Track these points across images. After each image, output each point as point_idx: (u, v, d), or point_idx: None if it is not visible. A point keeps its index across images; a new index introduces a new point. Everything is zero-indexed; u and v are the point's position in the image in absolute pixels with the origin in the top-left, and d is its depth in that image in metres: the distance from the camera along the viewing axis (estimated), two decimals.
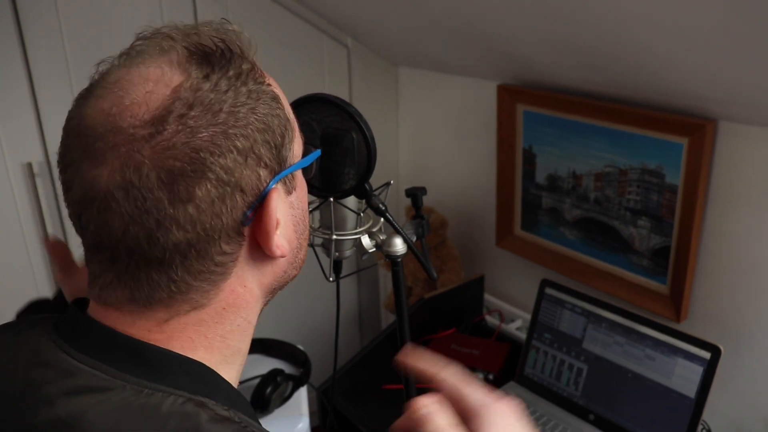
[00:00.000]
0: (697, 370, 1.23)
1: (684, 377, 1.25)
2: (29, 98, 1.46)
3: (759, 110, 1.17)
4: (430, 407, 0.55)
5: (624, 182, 1.43)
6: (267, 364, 1.47)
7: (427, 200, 1.88)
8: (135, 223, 0.50)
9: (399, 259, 0.87)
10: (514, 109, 1.62)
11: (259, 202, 0.54)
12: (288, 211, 0.59)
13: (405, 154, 2.12)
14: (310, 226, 0.86)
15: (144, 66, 0.53)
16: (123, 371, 0.53)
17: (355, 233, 0.86)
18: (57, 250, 0.82)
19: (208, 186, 0.51)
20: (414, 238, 0.92)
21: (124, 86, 0.52)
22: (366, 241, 0.86)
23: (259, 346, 1.57)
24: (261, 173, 0.54)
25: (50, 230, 1.55)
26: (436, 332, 1.72)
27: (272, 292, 0.63)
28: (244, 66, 0.55)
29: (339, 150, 0.79)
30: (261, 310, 0.63)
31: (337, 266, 0.90)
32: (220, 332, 0.57)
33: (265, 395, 1.35)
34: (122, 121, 0.50)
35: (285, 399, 1.40)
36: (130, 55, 0.55)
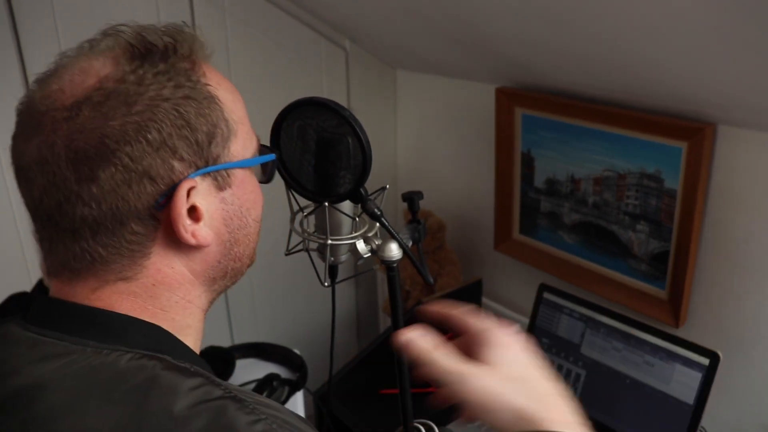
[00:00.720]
0: (696, 376, 1.23)
1: (682, 383, 1.24)
2: None
3: (758, 114, 1.17)
4: (409, 335, 0.62)
5: (623, 186, 1.42)
6: (263, 369, 1.46)
7: (425, 204, 1.87)
8: (47, 194, 0.56)
9: (394, 264, 0.86)
10: (513, 112, 1.61)
11: (173, 191, 0.58)
12: (218, 206, 0.62)
13: (403, 157, 2.11)
14: (305, 231, 0.86)
15: (84, 57, 0.59)
16: (82, 337, 0.57)
17: (351, 238, 0.85)
18: None
19: (113, 170, 0.55)
20: (410, 243, 0.91)
21: (61, 74, 0.58)
22: (361, 246, 0.85)
23: (254, 350, 1.56)
24: (175, 165, 0.58)
25: None
26: None
27: (213, 281, 0.66)
28: (181, 64, 0.59)
29: (334, 154, 0.78)
30: (213, 298, 0.67)
31: (332, 271, 0.89)
32: (159, 306, 0.61)
33: None
34: (50, 105, 0.56)
35: (281, 404, 1.40)
36: (83, 48, 0.61)
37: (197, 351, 0.66)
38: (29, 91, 0.60)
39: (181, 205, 0.58)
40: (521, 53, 1.41)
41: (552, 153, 1.55)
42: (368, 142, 0.76)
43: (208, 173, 0.60)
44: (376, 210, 0.81)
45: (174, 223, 0.58)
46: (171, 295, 0.62)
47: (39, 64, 1.44)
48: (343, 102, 1.93)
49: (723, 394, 1.32)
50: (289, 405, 1.41)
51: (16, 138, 0.59)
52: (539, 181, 1.61)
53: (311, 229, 0.86)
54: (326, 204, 0.81)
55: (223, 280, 0.67)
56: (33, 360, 0.56)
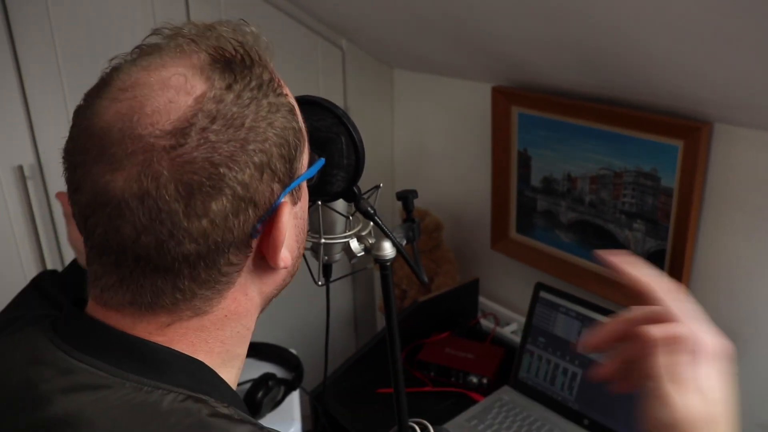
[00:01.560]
0: None
1: None
2: (20, 100, 1.45)
3: (755, 113, 1.16)
4: (662, 338, 0.58)
5: (619, 185, 1.42)
6: (259, 368, 1.46)
7: (422, 203, 1.87)
8: (147, 232, 0.50)
9: (388, 263, 0.85)
10: (509, 111, 1.61)
11: (269, 215, 0.54)
12: (292, 222, 0.58)
13: (400, 156, 2.11)
14: None
15: (165, 69, 0.52)
16: (122, 369, 0.52)
17: (344, 237, 0.85)
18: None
19: (224, 201, 0.50)
20: (404, 242, 0.91)
21: (144, 91, 0.50)
22: (354, 244, 0.85)
23: (250, 349, 1.54)
24: (274, 187, 0.54)
25: (42, 233, 1.54)
26: (430, 336, 1.71)
27: (270, 299, 0.64)
28: (265, 76, 0.55)
29: (328, 153, 0.78)
30: (258, 317, 0.64)
31: (326, 270, 0.89)
32: (220, 338, 0.58)
33: (257, 400, 1.34)
34: (142, 129, 0.49)
35: (277, 403, 1.39)
36: (147, 53, 0.54)
37: (238, 378, 0.63)
38: (89, 111, 0.52)
39: (284, 229, 0.55)
40: (518, 52, 1.41)
41: (548, 152, 1.55)
42: (361, 140, 0.76)
43: (291, 190, 0.56)
44: (369, 209, 0.80)
45: (272, 250, 0.55)
46: (236, 325, 0.58)
47: (33, 61, 1.44)
48: (339, 101, 1.93)
49: None
50: (285, 405, 1.41)
51: (85, 168, 0.51)
52: (536, 179, 1.61)
53: None
54: (319, 203, 0.80)
55: (275, 297, 0.65)
56: (66, 389, 0.52)
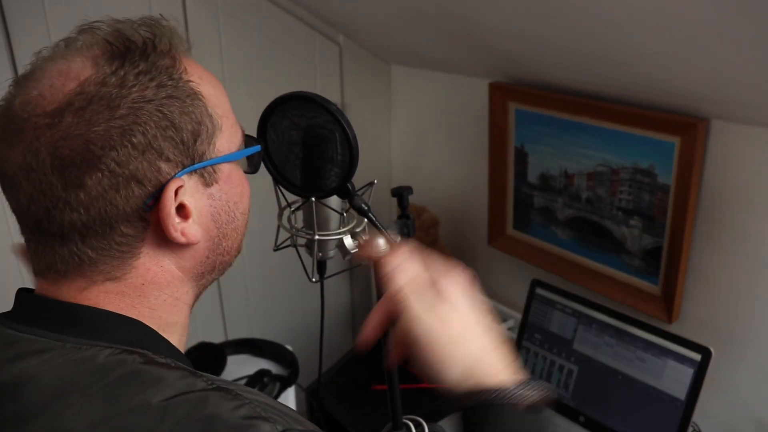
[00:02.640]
0: (688, 372, 1.22)
1: (674, 379, 1.24)
2: None
3: (752, 109, 1.16)
4: (396, 263, 0.63)
5: (616, 182, 1.42)
6: (255, 365, 1.46)
7: (419, 199, 1.87)
8: (34, 201, 0.56)
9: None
10: (506, 107, 1.60)
11: (161, 192, 0.58)
12: (206, 202, 0.62)
13: (397, 152, 2.10)
14: (293, 227, 0.85)
15: (63, 60, 0.57)
16: (63, 333, 0.57)
17: (338, 233, 0.84)
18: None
19: (100, 176, 0.55)
20: (399, 239, 0.91)
21: (40, 78, 0.57)
22: (348, 241, 0.85)
23: (246, 346, 1.56)
24: (162, 166, 0.57)
25: None
26: None
27: (202, 276, 0.66)
28: (162, 62, 0.59)
29: (321, 149, 0.78)
30: (199, 292, 0.67)
31: (320, 267, 0.89)
32: (147, 305, 0.61)
33: None
34: (31, 111, 0.55)
35: None
36: (59, 47, 0.60)
37: (183, 346, 0.65)
38: (8, 95, 0.59)
39: (170, 205, 0.58)
40: (515, 48, 1.40)
41: (545, 148, 1.55)
42: (355, 136, 0.76)
43: (195, 170, 0.60)
44: (363, 205, 0.80)
45: (163, 223, 0.58)
46: (159, 294, 0.61)
47: (29, 60, 1.43)
48: (336, 98, 1.93)
49: (715, 389, 1.32)
50: (280, 401, 1.41)
51: None
52: (533, 176, 1.61)
53: (300, 224, 0.86)
54: (313, 199, 0.80)
55: (211, 275, 0.67)
56: (11, 357, 0.55)
